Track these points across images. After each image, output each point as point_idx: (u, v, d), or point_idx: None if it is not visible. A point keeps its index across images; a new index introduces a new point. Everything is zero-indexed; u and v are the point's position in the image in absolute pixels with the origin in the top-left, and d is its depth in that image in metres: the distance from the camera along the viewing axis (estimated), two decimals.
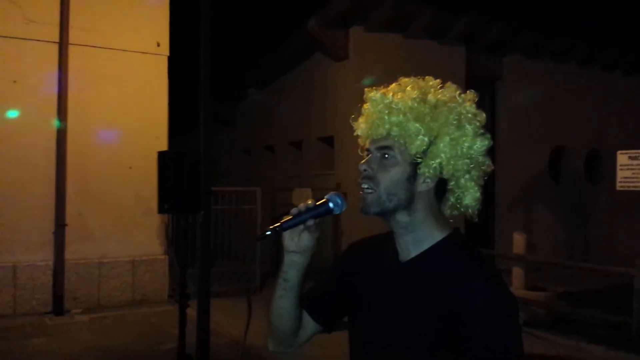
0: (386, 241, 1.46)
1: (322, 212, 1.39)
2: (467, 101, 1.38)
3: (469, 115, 1.36)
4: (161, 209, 4.90)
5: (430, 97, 1.36)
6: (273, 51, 11.38)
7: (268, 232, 1.37)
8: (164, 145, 7.87)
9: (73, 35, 7.59)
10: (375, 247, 1.51)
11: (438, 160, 1.32)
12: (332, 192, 1.42)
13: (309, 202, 1.41)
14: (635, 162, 6.47)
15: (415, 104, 1.34)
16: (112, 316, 7.33)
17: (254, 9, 10.32)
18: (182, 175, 4.67)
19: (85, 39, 7.70)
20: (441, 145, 1.32)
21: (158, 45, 8.23)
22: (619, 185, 6.62)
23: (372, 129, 1.38)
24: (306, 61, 11.03)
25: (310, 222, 1.40)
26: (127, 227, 8.00)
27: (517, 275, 7.52)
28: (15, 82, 7.41)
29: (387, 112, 1.35)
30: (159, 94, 8.25)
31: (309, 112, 11.02)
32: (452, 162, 1.32)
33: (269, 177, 11.97)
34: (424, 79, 1.41)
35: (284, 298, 1.48)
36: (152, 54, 8.21)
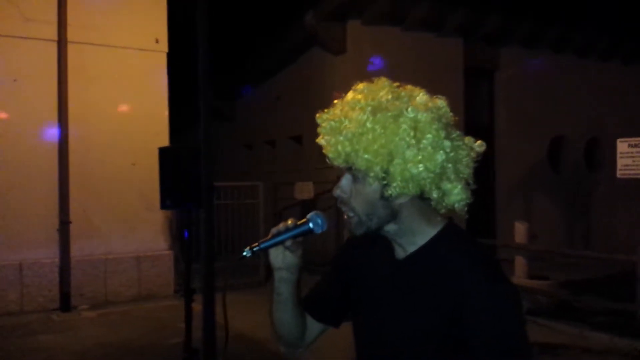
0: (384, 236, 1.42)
1: (301, 232, 1.38)
2: (420, 106, 1.26)
3: (424, 123, 1.24)
4: (163, 205, 4.92)
5: (379, 115, 1.24)
6: (271, 45, 11.38)
7: (245, 253, 1.37)
8: (165, 142, 7.89)
9: (71, 33, 7.59)
10: (373, 242, 1.46)
11: (399, 182, 1.24)
12: (313, 212, 1.40)
13: (289, 222, 1.38)
14: (635, 149, 6.48)
15: (365, 128, 1.24)
16: (119, 312, 7.36)
17: (252, 3, 10.31)
18: (183, 171, 4.68)
19: (83, 36, 7.70)
20: (398, 168, 1.24)
21: (157, 41, 8.23)
22: (619, 173, 6.62)
23: (331, 157, 1.33)
24: (304, 55, 11.03)
25: (289, 243, 1.37)
26: (132, 223, 8.03)
27: (520, 264, 7.57)
28: (15, 80, 7.42)
29: (338, 140, 1.28)
30: (159, 91, 8.26)
31: (308, 105, 10.98)
32: (414, 180, 1.24)
33: (270, 172, 11.99)
34: (379, 80, 1.31)
35: (280, 310, 1.48)
36: (151, 50, 8.21)
